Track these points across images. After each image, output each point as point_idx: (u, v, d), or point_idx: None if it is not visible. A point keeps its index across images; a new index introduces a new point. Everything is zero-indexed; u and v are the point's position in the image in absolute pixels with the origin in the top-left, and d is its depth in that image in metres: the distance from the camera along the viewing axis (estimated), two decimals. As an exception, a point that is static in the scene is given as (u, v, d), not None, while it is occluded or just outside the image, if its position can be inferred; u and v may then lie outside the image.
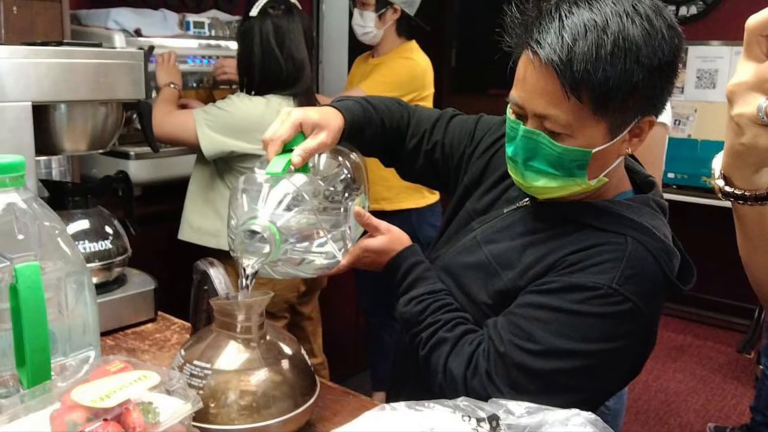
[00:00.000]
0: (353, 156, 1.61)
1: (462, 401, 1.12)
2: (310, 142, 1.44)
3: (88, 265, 1.63)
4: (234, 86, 3.40)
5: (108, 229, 1.87)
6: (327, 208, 1.39)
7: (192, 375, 1.24)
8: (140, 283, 1.93)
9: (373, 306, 3.94)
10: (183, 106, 3.08)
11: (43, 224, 1.22)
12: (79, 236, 1.79)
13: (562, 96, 1.26)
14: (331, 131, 1.48)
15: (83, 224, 1.83)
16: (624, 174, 1.49)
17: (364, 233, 1.58)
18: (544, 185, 1.37)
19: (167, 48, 3.21)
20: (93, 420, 0.99)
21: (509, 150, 1.40)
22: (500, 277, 1.45)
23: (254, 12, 2.84)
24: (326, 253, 1.39)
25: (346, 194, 1.48)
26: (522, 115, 1.36)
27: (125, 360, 1.14)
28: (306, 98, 2.90)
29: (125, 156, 3.04)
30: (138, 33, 3.21)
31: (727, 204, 1.04)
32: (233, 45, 3.26)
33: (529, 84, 1.31)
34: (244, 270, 1.31)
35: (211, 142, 2.77)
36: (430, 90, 3.57)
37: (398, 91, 3.20)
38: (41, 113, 1.63)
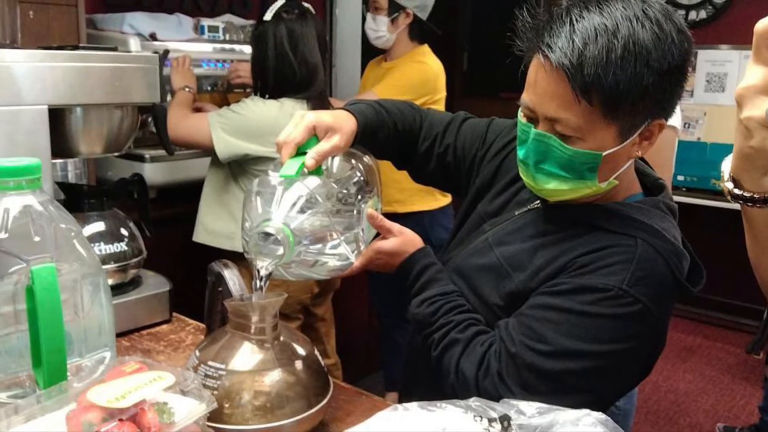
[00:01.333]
0: (366, 159, 1.62)
1: (474, 401, 1.12)
2: (324, 145, 1.44)
3: (104, 266, 1.64)
4: (248, 90, 3.41)
5: (123, 231, 1.88)
6: (340, 211, 1.40)
7: (207, 375, 1.25)
8: (155, 284, 1.94)
9: (386, 307, 3.94)
10: (198, 110, 3.10)
11: (59, 226, 1.23)
12: (94, 238, 1.80)
13: (573, 99, 1.26)
14: (344, 134, 1.49)
15: (99, 226, 1.84)
16: (634, 176, 1.49)
17: (377, 235, 1.59)
18: (555, 188, 1.37)
19: (182, 52, 3.22)
20: (108, 420, 0.99)
21: (520, 153, 1.41)
22: (511, 278, 1.46)
23: (268, 16, 2.86)
24: (339, 254, 1.40)
25: (359, 197, 1.49)
26: (533, 119, 1.37)
27: (140, 361, 1.14)
28: (319, 102, 2.91)
29: (140, 159, 3.05)
30: (153, 37, 3.22)
31: (736, 206, 1.05)
32: (247, 49, 3.27)
33: (540, 87, 1.32)
34: (258, 272, 1.31)
35: (226, 145, 2.78)
36: (442, 93, 3.57)
37: (411, 95, 3.21)
38: (57, 116, 1.64)
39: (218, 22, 3.56)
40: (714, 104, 5.53)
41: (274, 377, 1.27)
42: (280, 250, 1.27)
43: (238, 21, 3.67)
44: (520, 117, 1.40)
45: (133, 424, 1.00)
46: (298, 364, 1.32)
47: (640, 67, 1.24)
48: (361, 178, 1.55)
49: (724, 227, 3.90)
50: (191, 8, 3.92)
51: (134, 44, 3.10)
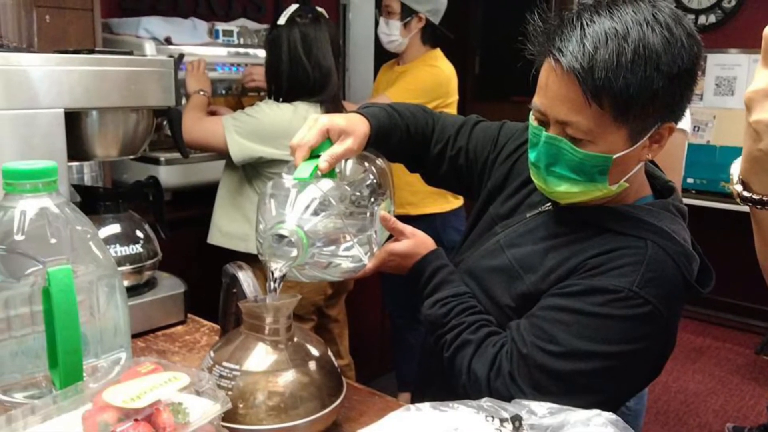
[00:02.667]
0: (379, 162, 1.62)
1: (485, 402, 1.13)
2: (337, 148, 1.45)
3: (120, 268, 1.64)
4: (262, 93, 3.43)
5: (139, 234, 1.89)
6: (353, 213, 1.40)
7: (221, 376, 1.26)
8: (170, 286, 1.94)
9: (399, 308, 3.94)
10: (212, 113, 3.11)
11: (75, 228, 1.24)
12: (110, 240, 1.81)
13: (584, 103, 1.27)
14: (357, 137, 1.50)
15: (114, 228, 1.85)
16: (644, 179, 1.50)
17: (390, 237, 1.59)
18: (566, 190, 1.38)
19: (197, 56, 3.24)
20: (124, 420, 1.00)
21: (532, 156, 1.41)
22: (523, 280, 1.46)
23: (282, 20, 2.87)
24: (352, 256, 1.40)
25: (372, 199, 1.50)
26: (544, 122, 1.37)
27: (156, 361, 1.14)
28: (333, 105, 2.92)
29: (156, 162, 3.07)
30: (168, 41, 3.24)
31: (745, 209, 1.05)
32: (261, 53, 3.27)
33: (551, 91, 1.33)
34: (272, 273, 1.32)
35: (240, 148, 2.79)
36: (455, 97, 3.58)
37: (423, 98, 3.21)
38: (73, 120, 1.65)
39: (233, 26, 3.57)
40: (723, 108, 5.56)
41: (287, 378, 1.28)
42: (294, 252, 1.28)
43: (252, 25, 3.69)
44: (532, 120, 1.41)
45: (148, 424, 1.01)
46: (312, 365, 1.32)
47: (650, 71, 1.24)
48: (374, 181, 1.56)
49: (733, 229, 3.90)
50: (206, 13, 3.94)
51: (149, 48, 3.12)
